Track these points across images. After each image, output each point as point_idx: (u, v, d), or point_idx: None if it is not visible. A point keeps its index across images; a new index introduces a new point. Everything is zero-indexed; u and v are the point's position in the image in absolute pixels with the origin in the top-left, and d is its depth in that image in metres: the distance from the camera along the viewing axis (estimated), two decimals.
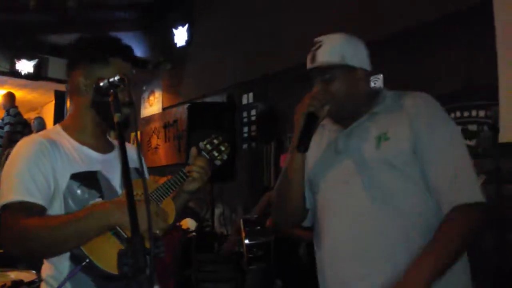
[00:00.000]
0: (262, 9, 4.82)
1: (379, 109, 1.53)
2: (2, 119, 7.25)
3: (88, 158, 1.51)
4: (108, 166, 1.53)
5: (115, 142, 1.63)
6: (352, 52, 1.52)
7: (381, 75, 3.40)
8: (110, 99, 1.30)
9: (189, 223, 4.65)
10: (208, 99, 5.50)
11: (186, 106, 5.16)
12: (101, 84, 1.39)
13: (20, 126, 7.24)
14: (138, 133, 6.11)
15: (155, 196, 1.53)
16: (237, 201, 4.96)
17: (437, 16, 3.11)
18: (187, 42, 5.97)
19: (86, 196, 1.43)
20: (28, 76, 6.66)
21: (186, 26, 5.98)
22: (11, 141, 6.62)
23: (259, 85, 4.82)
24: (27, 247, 1.34)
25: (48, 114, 8.99)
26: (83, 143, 1.53)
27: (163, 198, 1.54)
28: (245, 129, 4.99)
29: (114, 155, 1.57)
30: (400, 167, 1.43)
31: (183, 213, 1.73)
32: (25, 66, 6.59)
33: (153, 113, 6.83)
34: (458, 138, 1.48)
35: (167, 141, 6.39)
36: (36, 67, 6.62)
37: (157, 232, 1.38)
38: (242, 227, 3.34)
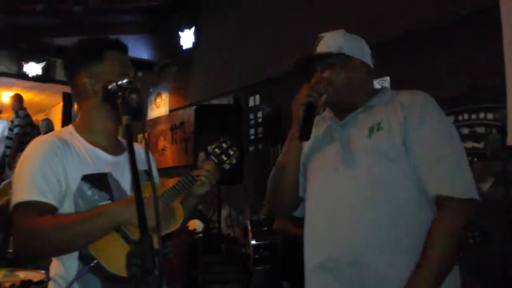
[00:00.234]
0: (268, 12, 4.83)
1: (375, 103, 1.59)
2: (12, 121, 7.31)
3: (99, 159, 1.51)
4: (119, 168, 1.53)
5: (126, 143, 1.64)
6: (350, 44, 1.61)
7: (388, 78, 3.39)
8: (119, 101, 1.32)
9: (196, 224, 4.66)
10: (214, 101, 5.52)
11: (193, 108, 5.17)
12: (110, 87, 1.41)
13: (30, 128, 7.32)
14: (146, 134, 6.14)
15: (163, 199, 1.54)
16: (244, 202, 4.97)
17: (444, 18, 3.10)
18: (194, 44, 5.98)
19: (96, 198, 1.44)
20: (36, 78, 6.71)
21: (193, 29, 6.00)
22: (21, 143, 6.68)
23: (266, 87, 4.83)
24: (38, 245, 1.35)
25: (56, 115, 9.05)
26: (94, 144, 1.53)
27: (172, 202, 1.55)
28: (252, 131, 5.00)
29: (125, 157, 1.58)
30: (390, 157, 1.46)
31: (190, 215, 1.74)
32: (33, 68, 6.64)
33: (160, 115, 6.85)
34: (450, 133, 1.50)
35: (174, 143, 6.41)
36: (44, 69, 6.67)
37: (165, 231, 1.39)
38: (249, 228, 3.35)
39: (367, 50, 1.66)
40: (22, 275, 2.49)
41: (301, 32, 4.10)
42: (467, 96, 2.94)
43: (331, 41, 1.62)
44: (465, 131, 2.91)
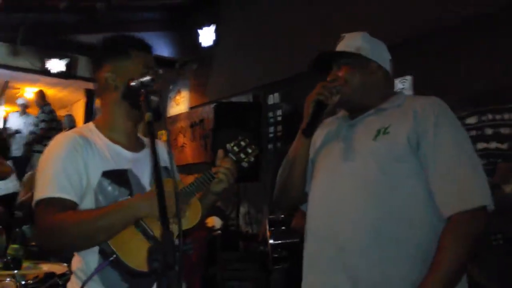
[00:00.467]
0: (288, 10, 4.81)
1: (388, 106, 1.58)
2: (37, 117, 7.46)
3: (119, 156, 1.53)
4: (138, 164, 1.55)
5: (145, 140, 1.66)
6: (368, 46, 1.61)
7: (410, 77, 3.35)
8: (141, 98, 1.33)
9: (214, 222, 4.68)
10: (234, 99, 5.52)
11: (212, 105, 5.19)
12: (132, 84, 1.43)
13: (55, 123, 7.47)
14: (166, 132, 6.16)
15: (181, 196, 1.54)
16: (262, 200, 4.97)
17: (468, 16, 3.05)
18: (214, 42, 6.00)
19: (116, 193, 1.46)
20: (59, 75, 6.81)
21: (213, 26, 6.02)
22: (46, 138, 6.81)
23: (285, 86, 4.81)
24: (60, 240, 1.38)
25: (78, 112, 9.17)
26: (114, 141, 1.55)
27: (190, 198, 1.56)
28: (271, 129, 5.00)
29: (145, 153, 1.59)
30: (392, 159, 1.45)
31: (209, 212, 1.75)
32: (55, 65, 6.75)
33: (180, 112, 6.89)
34: (465, 142, 1.46)
35: (194, 140, 6.44)
36: (67, 66, 6.77)
37: (183, 228, 1.40)
38: (267, 227, 3.35)
39: (386, 56, 1.66)
40: (46, 267, 2.54)
41: (323, 31, 4.08)
42: (491, 96, 2.89)
43: (350, 41, 1.63)
44: (489, 131, 2.86)
